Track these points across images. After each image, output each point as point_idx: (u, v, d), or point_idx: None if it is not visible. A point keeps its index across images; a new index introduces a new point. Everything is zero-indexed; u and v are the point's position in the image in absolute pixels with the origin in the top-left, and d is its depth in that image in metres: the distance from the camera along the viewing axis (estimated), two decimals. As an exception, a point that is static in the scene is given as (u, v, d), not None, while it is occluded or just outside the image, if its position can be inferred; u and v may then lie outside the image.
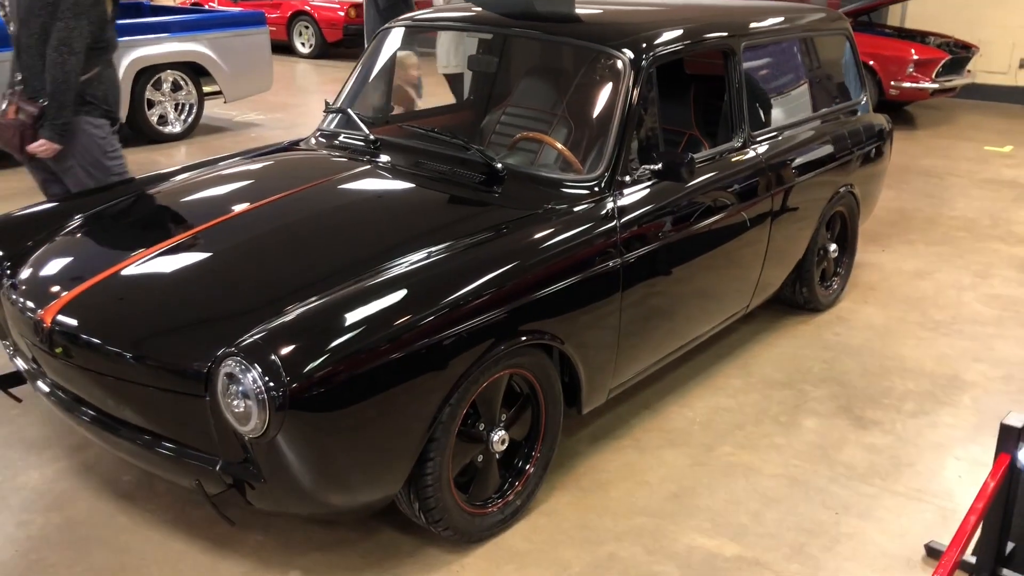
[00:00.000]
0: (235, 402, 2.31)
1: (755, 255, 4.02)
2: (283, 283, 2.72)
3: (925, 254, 5.76)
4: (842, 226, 4.85)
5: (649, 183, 3.34)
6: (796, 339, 4.47)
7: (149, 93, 8.24)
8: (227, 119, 9.46)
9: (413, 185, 3.39)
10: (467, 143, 3.37)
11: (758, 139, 4.01)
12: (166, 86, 8.40)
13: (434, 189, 3.33)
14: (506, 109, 4.30)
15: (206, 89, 8.85)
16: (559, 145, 3.48)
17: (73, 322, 2.67)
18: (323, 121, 3.94)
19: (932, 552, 2.89)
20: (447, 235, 2.91)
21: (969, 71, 10.18)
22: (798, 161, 4.21)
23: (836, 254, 4.80)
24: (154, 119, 8.37)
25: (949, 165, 8.12)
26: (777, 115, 4.24)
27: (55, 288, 2.84)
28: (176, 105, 8.56)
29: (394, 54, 4.17)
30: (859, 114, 4.98)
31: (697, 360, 4.16)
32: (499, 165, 3.26)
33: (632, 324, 3.26)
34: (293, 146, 3.92)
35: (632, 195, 3.27)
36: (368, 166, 3.47)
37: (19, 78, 3.85)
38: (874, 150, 4.96)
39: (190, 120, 8.65)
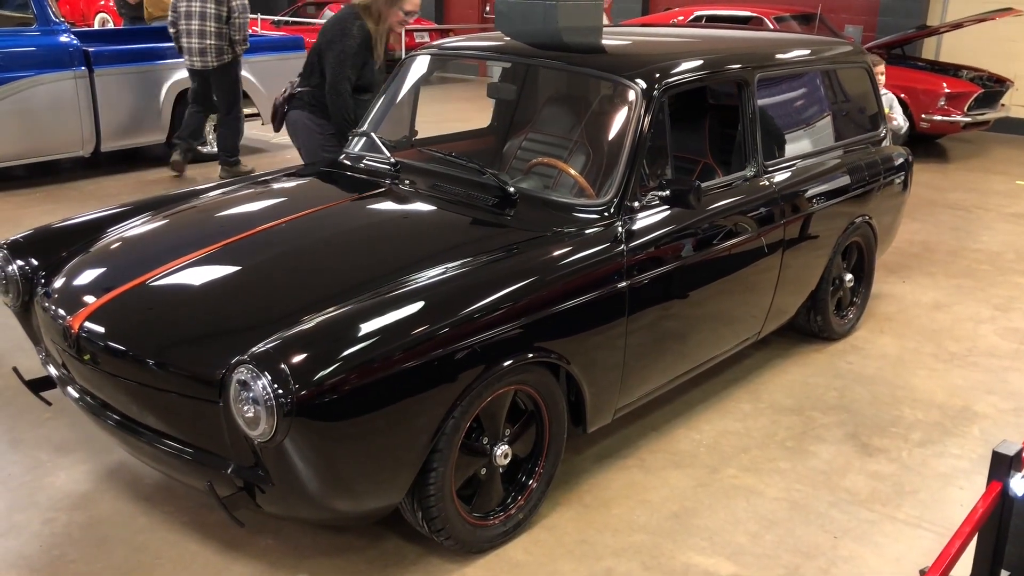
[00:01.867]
0: (246, 407, 2.44)
1: (766, 282, 4.09)
2: (301, 295, 2.86)
3: (945, 286, 5.78)
4: (859, 256, 4.90)
5: (658, 209, 3.44)
6: (808, 367, 4.52)
7: (190, 115, 8.49)
8: (264, 140, 9.71)
9: (431, 207, 3.52)
10: (482, 167, 3.50)
11: (771, 168, 4.09)
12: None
13: (450, 211, 3.45)
14: (527, 135, 4.43)
15: (245, 111, 9.10)
16: (571, 171, 3.60)
17: (99, 329, 2.82)
18: (348, 144, 4.09)
19: (926, 578, 2.93)
20: (460, 254, 3.03)
21: (1003, 105, 10.15)
22: (812, 191, 4.28)
23: (852, 284, 4.85)
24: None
25: (978, 199, 8.11)
26: (792, 146, 4.33)
27: (84, 297, 3.00)
28: (213, 126, 8.80)
29: (418, 82, 4.32)
30: (878, 147, 5.04)
31: (707, 384, 4.22)
32: (512, 189, 3.38)
33: (638, 347, 3.35)
34: (319, 167, 4.07)
35: (641, 220, 3.37)
36: (388, 187, 3.61)
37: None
38: (893, 181, 5.02)
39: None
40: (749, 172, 3.98)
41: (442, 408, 2.69)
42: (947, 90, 9.37)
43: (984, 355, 4.76)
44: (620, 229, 3.29)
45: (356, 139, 4.06)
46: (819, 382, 4.36)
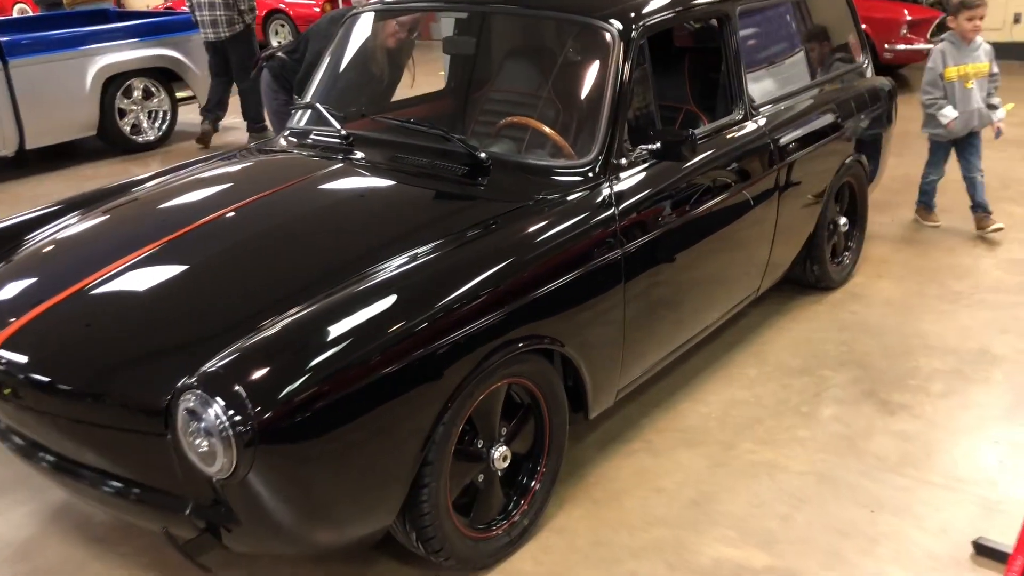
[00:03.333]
0: (198, 440, 2.05)
1: (763, 235, 3.76)
2: (256, 297, 2.47)
3: (935, 223, 5.50)
4: (851, 197, 4.59)
5: (647, 165, 3.08)
6: (810, 321, 4.22)
7: (119, 102, 7.95)
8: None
9: (392, 182, 3.13)
10: (447, 133, 3.10)
11: (760, 110, 3.75)
12: (137, 94, 8.12)
13: (415, 185, 3.06)
14: (488, 93, 4.04)
15: (179, 95, 8.57)
16: (547, 129, 3.21)
17: (18, 357, 2.40)
18: (292, 119, 3.66)
19: (982, 550, 2.64)
20: (432, 234, 2.65)
21: (963, 29, 9.89)
22: (803, 131, 3.95)
23: (846, 228, 4.54)
24: (126, 129, 8.08)
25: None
26: (777, 84, 3.98)
27: (2, 316, 2.57)
28: (149, 113, 8.27)
29: (366, 42, 3.90)
30: (861, 78, 4.71)
31: (707, 350, 3.90)
32: (483, 155, 2.99)
33: (638, 318, 3.01)
34: (261, 148, 3.64)
35: (629, 179, 3.02)
36: (342, 164, 3.19)
37: None
38: (880, 115, 4.70)
39: (164, 128, 8.36)
40: (737, 116, 3.63)
41: (430, 413, 2.33)
42: (908, 17, 9.09)
43: (990, 291, 4.48)
44: (608, 191, 2.93)
45: (300, 112, 3.64)
46: (824, 336, 4.05)
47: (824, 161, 4.15)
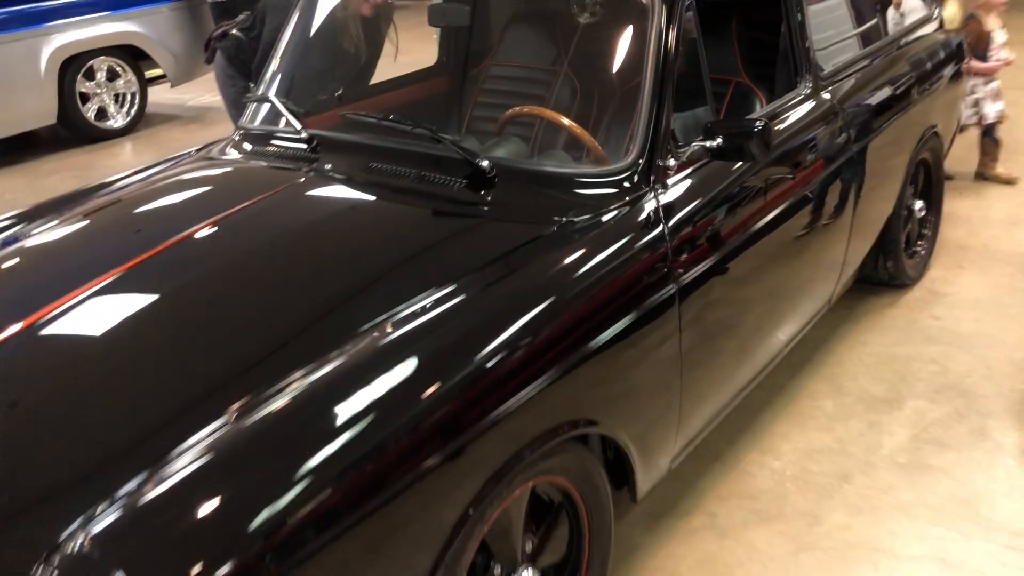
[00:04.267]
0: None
1: (838, 233, 3.03)
2: (161, 399, 1.70)
3: (1013, 193, 4.74)
4: (926, 176, 3.84)
5: (700, 164, 2.34)
6: (887, 331, 3.49)
7: (81, 85, 7.17)
8: (178, 104, 8.38)
9: (365, 203, 2.37)
10: (435, 133, 2.36)
11: (829, 80, 3.00)
12: (100, 75, 7.33)
13: (395, 207, 2.31)
14: (489, 71, 3.29)
15: (148, 74, 7.79)
16: (566, 122, 2.47)
17: None
18: (245, 116, 2.91)
19: None
20: (418, 284, 1.90)
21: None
22: (880, 102, 3.20)
23: (923, 212, 3.80)
24: (91, 115, 7.31)
25: (1014, 75, 7.02)
26: (847, 44, 3.22)
27: None
28: (116, 96, 7.50)
29: (334, 11, 3.14)
30: (931, 30, 3.94)
31: (769, 378, 3.16)
32: (485, 162, 2.25)
33: (698, 364, 2.30)
34: (208, 155, 2.88)
35: (678, 186, 2.28)
36: (302, 180, 2.44)
37: None
38: (952, 75, 3.94)
39: (134, 112, 7.58)
40: (804, 89, 2.87)
41: (436, 539, 1.63)
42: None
43: (1097, 282, 3.75)
44: (653, 203, 2.20)
45: (253, 107, 2.89)
46: (909, 352, 3.33)
47: (902, 136, 3.40)
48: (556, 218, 2.13)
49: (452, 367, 1.68)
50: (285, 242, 2.22)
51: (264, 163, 2.61)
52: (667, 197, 2.23)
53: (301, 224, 2.31)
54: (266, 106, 2.83)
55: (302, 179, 2.42)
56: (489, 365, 1.71)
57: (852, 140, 2.98)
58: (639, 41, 2.34)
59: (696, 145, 2.28)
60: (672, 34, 2.32)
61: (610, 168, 2.25)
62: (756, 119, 2.19)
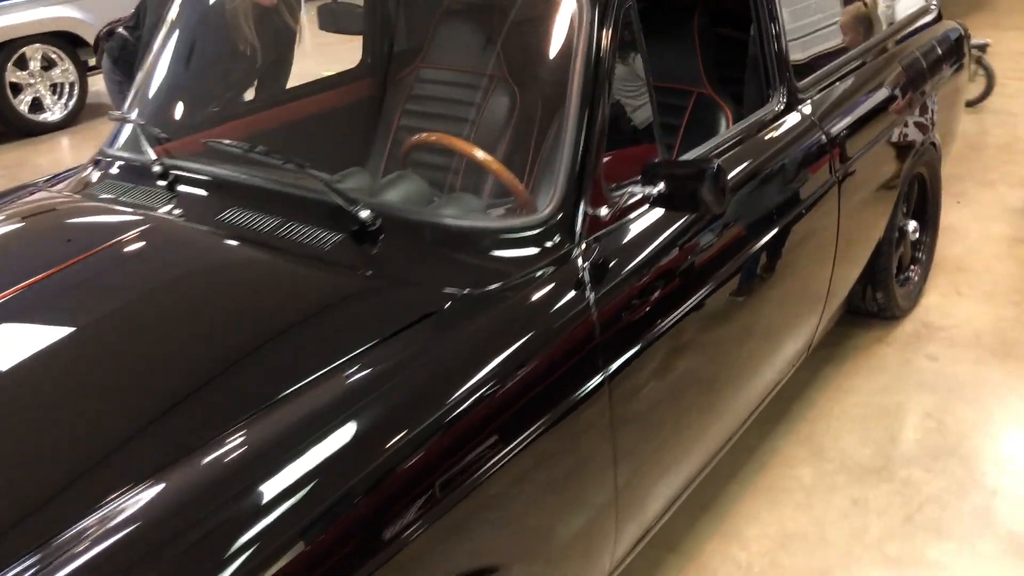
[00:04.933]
0: None
1: (820, 271, 2.57)
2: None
3: (1015, 201, 4.29)
4: (920, 192, 3.38)
5: (642, 212, 1.88)
6: (876, 374, 3.04)
7: (13, 75, 6.65)
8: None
9: (206, 264, 1.85)
10: (304, 166, 1.87)
11: (808, 91, 2.53)
12: (34, 64, 6.81)
13: (245, 272, 1.82)
14: (419, 74, 2.81)
15: (90, 61, 7.25)
16: (479, 155, 1.99)
17: None
18: (108, 140, 2.41)
19: None
20: (240, 403, 1.43)
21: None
22: (867, 113, 2.74)
23: (916, 234, 3.34)
24: (24, 107, 6.79)
25: (1005, 66, 6.55)
26: (829, 48, 2.74)
27: None
28: (52, 87, 6.97)
29: (218, 5, 2.65)
30: (929, 24, 3.46)
31: (739, 438, 2.72)
32: (364, 212, 1.77)
33: (638, 466, 1.85)
34: (49, 187, 2.37)
35: (613, 238, 1.82)
36: (139, 229, 1.95)
37: None
38: (952, 75, 3.47)
39: (72, 103, 7.06)
40: (778, 104, 2.40)
41: None
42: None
43: (1114, 313, 3.30)
44: (578, 266, 1.73)
45: (114, 128, 2.39)
46: (901, 403, 2.88)
47: (893, 151, 2.93)
48: (451, 289, 1.65)
49: (284, 527, 1.22)
50: (86, 328, 1.70)
51: (108, 203, 2.12)
52: (597, 256, 1.77)
53: (110, 302, 1.78)
54: (127, 128, 2.34)
55: (141, 228, 1.93)
56: (335, 511, 1.25)
57: (834, 163, 2.51)
58: (564, 51, 1.86)
59: (632, 191, 1.81)
60: (604, 43, 1.84)
61: (523, 222, 1.77)
62: (707, 160, 1.71)
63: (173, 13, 2.52)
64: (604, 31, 1.84)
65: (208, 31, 2.67)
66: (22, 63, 6.74)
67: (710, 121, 2.54)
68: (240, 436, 1.35)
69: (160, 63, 2.48)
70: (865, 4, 2.70)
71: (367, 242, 1.78)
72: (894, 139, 2.90)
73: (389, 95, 2.86)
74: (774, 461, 2.66)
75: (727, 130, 2.36)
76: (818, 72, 2.60)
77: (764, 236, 2.24)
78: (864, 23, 2.68)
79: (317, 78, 3.02)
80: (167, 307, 1.71)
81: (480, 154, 1.98)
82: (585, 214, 1.78)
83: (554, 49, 1.91)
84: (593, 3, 1.85)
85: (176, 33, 2.51)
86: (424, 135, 2.10)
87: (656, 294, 1.85)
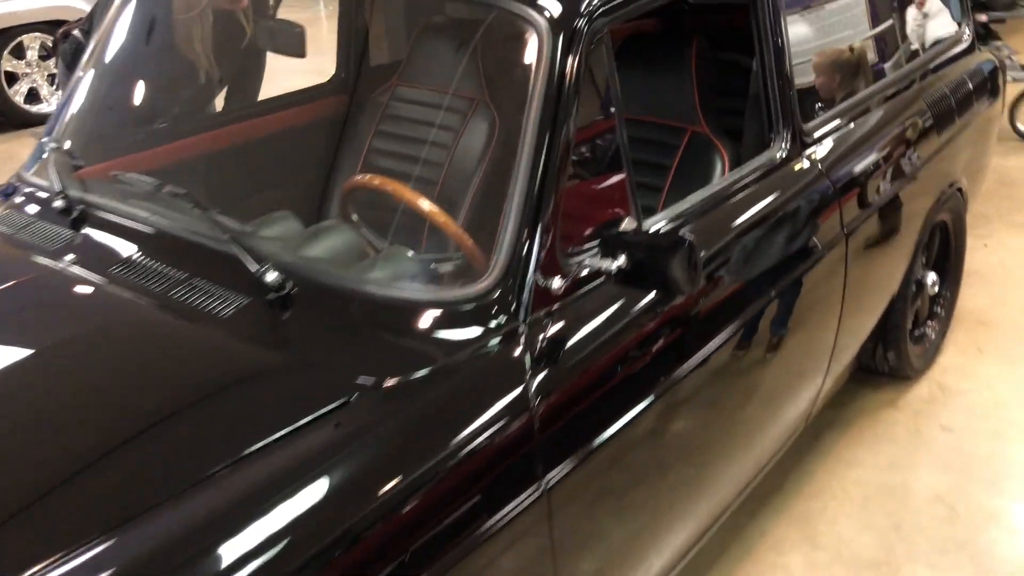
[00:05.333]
0: None
1: (820, 338, 2.29)
2: None
3: (1048, 247, 3.97)
4: (942, 241, 3.08)
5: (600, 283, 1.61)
6: (883, 445, 2.74)
7: (9, 64, 6.45)
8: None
9: (94, 330, 1.57)
10: (210, 210, 1.62)
11: (815, 134, 2.23)
12: (31, 53, 6.60)
13: (131, 344, 1.54)
14: (395, 92, 2.55)
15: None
16: (425, 205, 1.71)
17: None
18: (28, 161, 2.16)
19: None
20: (104, 515, 1.18)
21: None
22: (884, 162, 2.44)
23: (936, 287, 3.03)
24: (20, 97, 6.59)
25: None
26: (842, 86, 2.45)
27: None
28: (49, 77, 6.76)
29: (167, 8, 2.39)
30: (962, 55, 3.15)
31: (722, 521, 2.43)
32: (272, 276, 1.50)
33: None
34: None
35: (570, 312, 1.54)
36: (22, 275, 1.69)
37: None
38: (985, 111, 3.16)
39: (69, 94, 6.84)
40: (780, 151, 2.11)
41: None
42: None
43: None
44: (523, 348, 1.46)
45: (38, 149, 2.14)
46: (908, 482, 2.58)
47: (912, 201, 2.64)
48: (363, 379, 1.38)
49: None
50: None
51: (10, 238, 1.87)
52: (545, 336, 1.49)
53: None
54: (51, 150, 2.09)
55: (19, 279, 1.67)
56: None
57: (843, 217, 2.23)
58: (518, 91, 1.59)
59: (587, 262, 1.53)
60: (567, 82, 1.56)
61: (457, 295, 1.50)
62: (676, 234, 1.44)
63: (109, 18, 2.26)
64: (568, 67, 1.57)
65: (153, 38, 2.41)
66: (19, 52, 6.53)
67: (704, 163, 2.26)
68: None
69: (95, 73, 2.23)
70: (851, 50, 2.38)
71: (274, 311, 1.52)
72: (914, 187, 2.61)
73: (355, 116, 2.60)
74: (762, 545, 2.37)
75: (720, 179, 2.08)
76: (830, 112, 2.31)
77: (757, 299, 1.97)
78: (844, 70, 2.37)
79: (282, 94, 2.77)
80: (15, 387, 1.44)
81: (426, 205, 1.71)
82: (534, 286, 1.50)
83: (510, 86, 1.64)
84: (555, 33, 1.58)
85: (115, 38, 2.26)
86: (366, 178, 1.84)
87: (618, 378, 1.58)
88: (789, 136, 2.13)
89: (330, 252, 1.68)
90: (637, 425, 1.60)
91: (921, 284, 2.95)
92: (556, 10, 1.59)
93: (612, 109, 1.66)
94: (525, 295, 1.49)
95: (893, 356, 2.86)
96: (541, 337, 1.49)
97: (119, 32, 2.26)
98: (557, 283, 1.52)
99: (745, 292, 1.94)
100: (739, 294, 1.92)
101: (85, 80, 2.20)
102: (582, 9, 1.61)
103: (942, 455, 2.69)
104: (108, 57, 2.25)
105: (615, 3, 1.65)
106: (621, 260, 1.48)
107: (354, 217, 1.85)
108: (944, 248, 3.08)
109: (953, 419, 2.85)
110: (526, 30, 1.59)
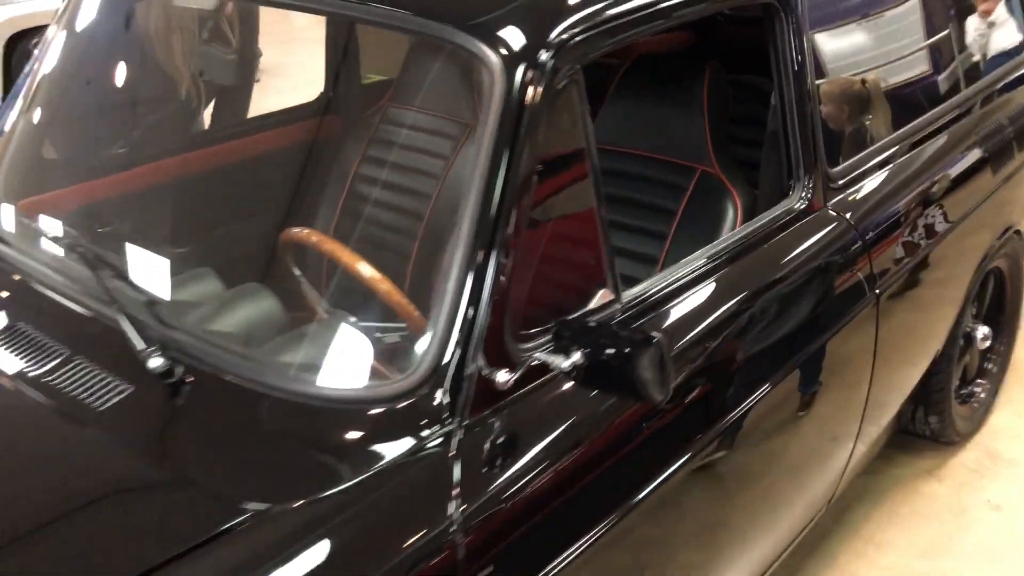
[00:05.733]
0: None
1: (846, 406, 1.99)
2: None
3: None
4: (996, 290, 2.73)
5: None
6: (919, 524, 2.41)
7: (33, 65, 6.34)
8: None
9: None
10: (96, 268, 1.37)
11: (843, 178, 1.92)
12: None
13: (5, 439, 1.31)
14: (386, 114, 2.30)
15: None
16: (365, 271, 1.44)
17: None
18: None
19: None
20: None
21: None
22: (925, 205, 2.12)
23: (988, 342, 2.69)
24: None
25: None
26: (880, 121, 2.13)
27: None
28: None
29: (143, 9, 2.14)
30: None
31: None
32: (156, 362, 1.24)
33: None
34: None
35: (523, 409, 1.27)
36: None
37: None
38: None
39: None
40: (800, 202, 1.81)
41: None
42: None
43: None
44: (451, 461, 1.19)
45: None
46: (948, 573, 2.26)
47: (961, 249, 2.31)
48: (251, 504, 1.12)
49: None
50: None
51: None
52: (487, 442, 1.22)
53: None
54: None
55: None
56: None
57: (873, 278, 1.91)
58: (473, 146, 1.32)
59: (541, 355, 1.25)
60: (527, 138, 1.29)
61: (381, 391, 1.23)
62: (642, 332, 1.15)
63: (67, 18, 1.99)
64: (525, 109, 1.29)
65: (126, 44, 2.16)
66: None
67: (714, 209, 1.96)
68: None
69: (42, 87, 1.99)
70: (864, 83, 2.06)
71: (159, 404, 1.26)
72: (964, 234, 2.28)
73: (350, 138, 2.32)
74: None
75: (728, 234, 1.78)
76: (863, 152, 1.99)
77: (767, 376, 1.68)
78: (855, 102, 2.04)
79: (260, 114, 2.53)
80: None
81: (366, 270, 1.44)
82: (476, 378, 1.23)
83: (461, 144, 1.36)
84: (508, 72, 1.30)
85: (69, 45, 1.99)
86: (303, 232, 1.56)
87: (583, 497, 1.30)
88: (811, 186, 1.82)
89: (243, 326, 1.42)
90: (607, 547, 1.32)
91: (971, 338, 2.61)
92: (514, 45, 1.31)
93: (586, 158, 1.38)
94: (462, 392, 1.22)
95: (936, 420, 2.54)
96: (481, 445, 1.22)
97: (76, 39, 2.01)
98: (503, 376, 1.24)
99: (751, 369, 1.65)
100: (746, 364, 1.63)
101: (35, 92, 1.95)
102: (548, 41, 1.33)
103: (988, 540, 2.35)
104: (61, 67, 2.00)
105: (588, 41, 1.36)
106: (576, 357, 1.20)
107: (296, 272, 1.60)
108: (998, 297, 2.74)
109: (1003, 494, 2.51)
110: (479, 69, 1.32)
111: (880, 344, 1.96)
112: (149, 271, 1.41)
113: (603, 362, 1.18)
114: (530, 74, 1.30)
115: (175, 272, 1.45)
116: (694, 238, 1.88)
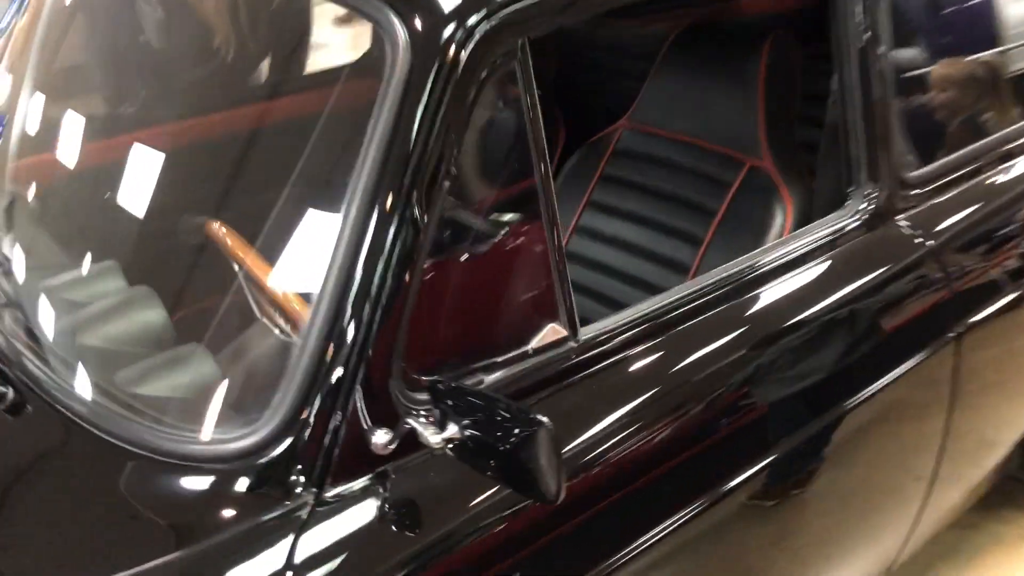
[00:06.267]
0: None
1: (908, 468, 1.61)
2: None
3: None
4: None
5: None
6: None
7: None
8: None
9: None
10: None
11: (914, 187, 1.52)
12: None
13: None
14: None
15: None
16: (275, 284, 1.20)
17: None
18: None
19: None
20: None
21: None
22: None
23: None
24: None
25: None
26: (993, 117, 1.70)
27: None
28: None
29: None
30: None
31: None
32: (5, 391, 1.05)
33: None
34: None
35: (412, 478, 1.01)
36: None
37: None
38: None
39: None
40: (860, 213, 1.43)
41: None
42: None
43: None
44: (292, 551, 0.94)
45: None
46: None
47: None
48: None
49: None
50: None
51: None
52: (342, 525, 0.97)
53: None
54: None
55: None
56: None
57: (952, 312, 1.52)
58: (357, 146, 1.04)
59: (413, 421, 0.98)
60: (438, 135, 1.01)
61: (220, 449, 0.99)
62: (528, 414, 0.86)
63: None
64: (435, 108, 1.00)
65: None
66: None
67: (760, 211, 1.61)
68: None
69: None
70: (982, 68, 1.60)
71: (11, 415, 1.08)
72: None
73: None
74: None
75: (769, 246, 1.42)
76: (948, 156, 1.57)
77: (802, 428, 1.35)
78: (969, 91, 1.60)
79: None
80: None
81: (274, 284, 1.19)
82: (344, 438, 0.97)
83: (350, 142, 1.08)
84: (410, 74, 1.01)
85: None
86: (214, 226, 1.32)
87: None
88: (875, 194, 1.44)
89: (115, 339, 1.19)
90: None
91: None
92: (420, 25, 1.02)
93: (531, 156, 1.08)
94: (321, 454, 0.97)
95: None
96: (336, 530, 0.96)
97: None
98: (383, 436, 0.98)
99: (777, 421, 1.32)
100: (769, 424, 1.31)
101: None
102: (460, 28, 1.02)
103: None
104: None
105: (524, 19, 1.05)
106: (452, 430, 0.92)
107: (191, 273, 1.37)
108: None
109: None
110: (380, 50, 1.03)
111: (957, 392, 1.57)
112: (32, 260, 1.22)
113: (481, 442, 0.89)
114: (447, 60, 1.01)
115: (72, 265, 1.26)
116: (734, 245, 1.55)
